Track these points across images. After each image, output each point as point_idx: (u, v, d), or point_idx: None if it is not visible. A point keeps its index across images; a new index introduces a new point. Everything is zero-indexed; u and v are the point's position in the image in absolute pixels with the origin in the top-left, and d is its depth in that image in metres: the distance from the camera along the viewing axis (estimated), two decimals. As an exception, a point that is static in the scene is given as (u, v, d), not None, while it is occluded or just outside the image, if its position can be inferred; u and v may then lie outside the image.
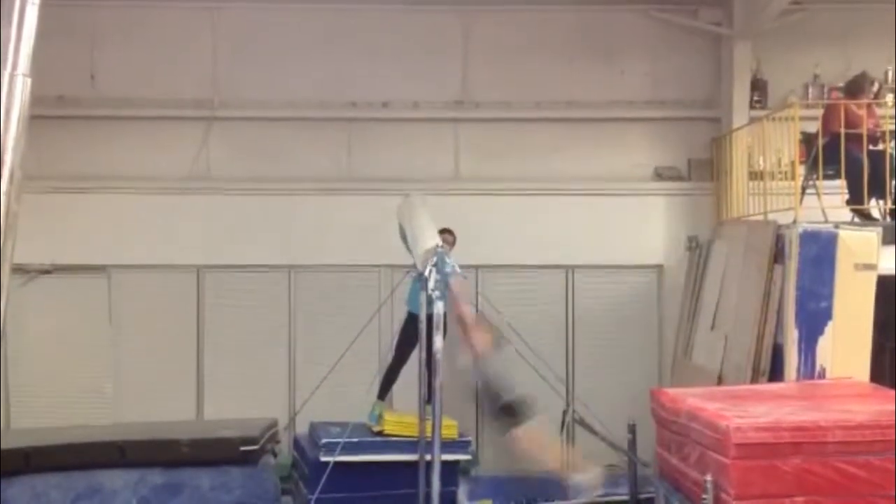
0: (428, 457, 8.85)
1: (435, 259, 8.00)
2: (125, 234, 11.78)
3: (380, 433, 9.77)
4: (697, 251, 11.48)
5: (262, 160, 11.98)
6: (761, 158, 10.79)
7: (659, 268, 12.13)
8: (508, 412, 8.09)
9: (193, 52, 11.99)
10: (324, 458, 9.08)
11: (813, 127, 10.05)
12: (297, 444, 10.55)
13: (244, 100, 11.99)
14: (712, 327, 10.34)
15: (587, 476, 8.22)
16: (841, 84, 11.16)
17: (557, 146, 12.07)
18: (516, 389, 8.06)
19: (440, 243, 8.26)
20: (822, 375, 8.73)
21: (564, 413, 11.44)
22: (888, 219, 9.67)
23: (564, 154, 12.06)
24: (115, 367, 11.86)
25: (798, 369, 8.78)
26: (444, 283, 7.92)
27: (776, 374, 8.98)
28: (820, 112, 10.27)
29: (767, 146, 10.50)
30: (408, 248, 9.19)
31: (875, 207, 9.93)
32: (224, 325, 11.91)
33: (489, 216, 11.73)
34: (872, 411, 6.87)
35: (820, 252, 8.87)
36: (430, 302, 8.35)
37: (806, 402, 7.33)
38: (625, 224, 11.93)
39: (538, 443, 8.20)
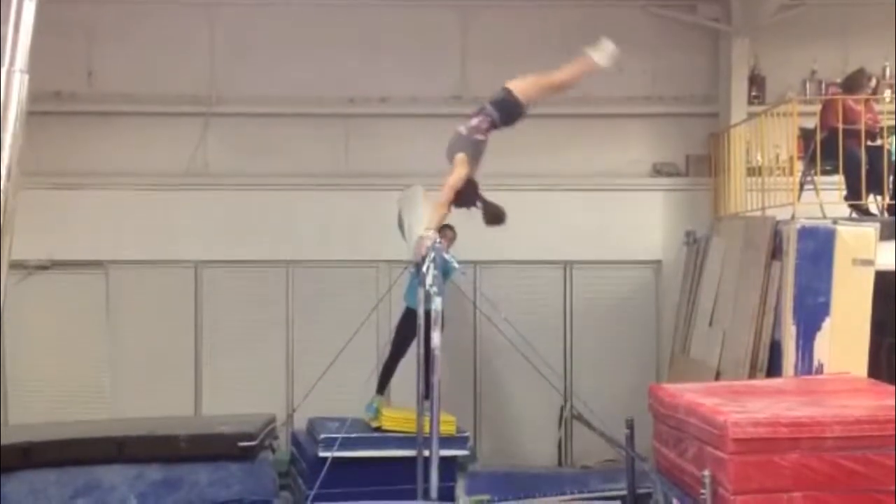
0: (426, 452, 8.86)
1: (433, 255, 7.98)
2: (123, 230, 11.78)
3: (378, 428, 9.78)
4: (695, 247, 11.48)
5: (260, 156, 11.97)
6: (759, 154, 10.78)
7: (657, 263, 12.13)
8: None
9: (191, 47, 11.98)
10: (322, 454, 9.08)
11: (811, 123, 10.04)
12: (295, 439, 10.55)
13: (242, 95, 11.97)
14: (710, 323, 10.34)
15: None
16: (839, 80, 11.15)
17: (555, 142, 12.06)
18: None
19: (433, 232, 8.22)
20: (820, 371, 8.72)
21: (562, 408, 11.47)
22: (886, 214, 9.68)
23: (562, 150, 12.06)
24: (113, 362, 11.87)
25: (796, 365, 8.77)
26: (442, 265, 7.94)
27: (774, 369, 8.97)
28: (818, 108, 10.27)
29: (765, 142, 10.49)
30: (404, 237, 9.19)
31: (873, 203, 9.94)
32: (222, 321, 11.91)
33: (487, 212, 11.71)
34: (870, 406, 6.86)
35: (818, 248, 8.85)
36: (427, 297, 8.33)
37: (804, 398, 7.32)
38: (623, 220, 11.94)
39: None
